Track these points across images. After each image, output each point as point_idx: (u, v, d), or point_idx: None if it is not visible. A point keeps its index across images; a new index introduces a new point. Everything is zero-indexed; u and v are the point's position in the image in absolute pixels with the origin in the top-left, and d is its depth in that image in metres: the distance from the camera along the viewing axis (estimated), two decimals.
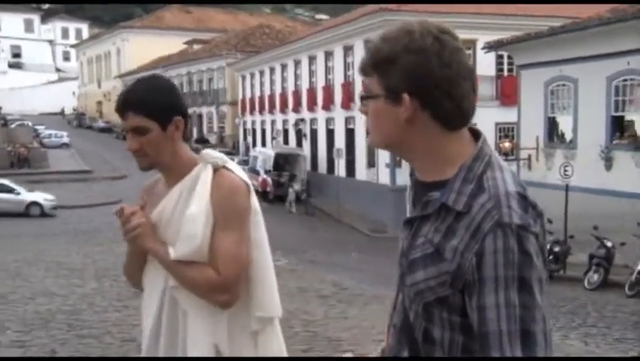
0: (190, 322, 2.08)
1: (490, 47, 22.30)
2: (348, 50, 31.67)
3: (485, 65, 28.53)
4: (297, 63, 37.27)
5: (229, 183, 2.08)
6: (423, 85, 1.39)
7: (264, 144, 41.61)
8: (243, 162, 38.69)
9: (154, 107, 2.03)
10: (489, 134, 31.32)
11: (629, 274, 13.64)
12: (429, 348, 1.44)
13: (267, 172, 32.59)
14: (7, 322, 6.99)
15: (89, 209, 27.61)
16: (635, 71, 16.55)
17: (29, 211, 26.42)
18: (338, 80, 32.82)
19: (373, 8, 28.76)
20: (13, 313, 7.45)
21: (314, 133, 36.08)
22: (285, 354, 2.26)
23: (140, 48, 64.58)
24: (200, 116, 53.53)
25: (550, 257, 14.59)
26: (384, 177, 29.27)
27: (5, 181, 27.81)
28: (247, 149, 44.97)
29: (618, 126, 17.69)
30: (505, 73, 29.22)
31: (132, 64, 65.97)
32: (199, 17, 70.17)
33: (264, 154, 34.61)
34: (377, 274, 15.24)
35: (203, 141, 50.08)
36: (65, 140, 53.24)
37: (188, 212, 2.05)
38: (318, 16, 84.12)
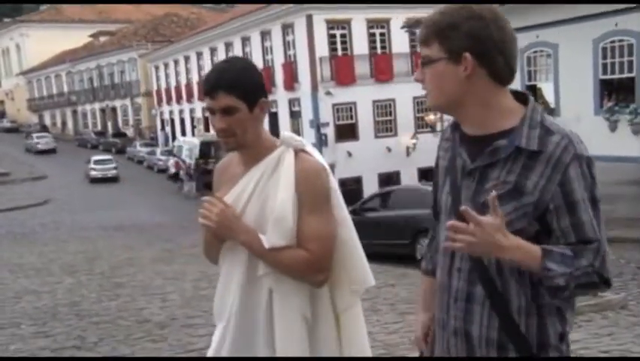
0: (277, 298, 2.10)
1: (409, 25, 23.29)
2: (265, 34, 32.05)
3: (399, 42, 29.73)
4: (213, 51, 37.26)
5: (311, 166, 2.11)
6: (483, 45, 1.63)
7: (184, 134, 41.41)
8: (167, 153, 38.53)
9: (244, 88, 2.07)
10: (408, 108, 32.22)
11: None
12: (504, 279, 1.67)
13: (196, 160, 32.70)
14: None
15: (16, 212, 26.94)
16: (545, 43, 18.01)
17: None
18: (257, 65, 33.12)
19: None
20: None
21: None
22: (364, 326, 2.27)
23: (42, 43, 62.13)
24: (114, 109, 52.49)
25: None
26: None
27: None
28: (167, 139, 44.65)
29: (533, 93, 19.14)
30: (419, 49, 30.47)
31: (35, 60, 63.55)
32: (101, 8, 68.06)
33: (190, 143, 34.54)
34: None
35: (119, 135, 49.26)
36: None
37: (278, 197, 2.08)
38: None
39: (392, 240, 13.17)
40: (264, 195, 2.11)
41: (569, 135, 1.63)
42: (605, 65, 16.73)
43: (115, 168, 36.94)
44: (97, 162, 37.28)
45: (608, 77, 16.82)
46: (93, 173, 36.41)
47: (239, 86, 2.06)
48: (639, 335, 5.76)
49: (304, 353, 2.09)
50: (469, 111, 1.69)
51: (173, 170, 33.99)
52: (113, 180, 36.21)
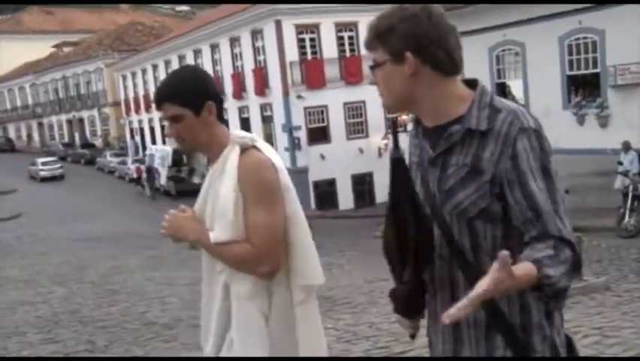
0: (233, 293, 2.20)
1: None
2: (234, 41, 32.18)
3: None
4: (181, 58, 37.23)
5: (252, 161, 2.16)
6: (420, 43, 1.69)
7: (154, 142, 41.23)
8: (138, 162, 38.38)
9: (186, 96, 2.18)
10: (378, 109, 32.40)
11: None
12: (478, 257, 1.71)
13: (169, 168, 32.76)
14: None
15: None
16: (512, 42, 18.53)
17: None
18: (227, 71, 33.24)
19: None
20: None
21: None
22: (320, 324, 2.33)
23: (3, 55, 61.35)
24: (81, 120, 52.03)
25: None
26: (284, 160, 30.16)
27: None
28: (137, 148, 44.43)
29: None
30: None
31: None
32: (62, 18, 67.21)
33: (161, 151, 34.42)
34: None
35: (88, 146, 48.84)
36: None
37: (221, 193, 2.17)
38: (179, 8, 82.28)
39: None
40: (214, 193, 2.21)
41: (515, 110, 1.69)
42: (571, 62, 17.29)
43: (61, 167, 42.36)
44: (44, 163, 42.84)
45: (575, 72, 17.39)
46: (42, 173, 41.33)
47: (181, 95, 2.18)
48: (626, 312, 6.12)
49: (263, 346, 2.16)
50: (422, 105, 1.77)
51: (135, 175, 36.64)
52: (60, 177, 41.31)
